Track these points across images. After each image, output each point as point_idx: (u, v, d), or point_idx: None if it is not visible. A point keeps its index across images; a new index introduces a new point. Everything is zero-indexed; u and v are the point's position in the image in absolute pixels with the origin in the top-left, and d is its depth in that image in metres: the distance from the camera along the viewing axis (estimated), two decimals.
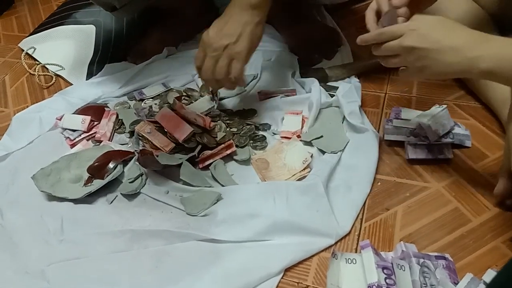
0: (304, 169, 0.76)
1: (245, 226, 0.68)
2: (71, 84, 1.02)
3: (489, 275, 0.58)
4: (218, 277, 0.62)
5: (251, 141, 0.83)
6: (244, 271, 0.63)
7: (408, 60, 0.60)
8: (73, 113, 0.91)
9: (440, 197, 0.72)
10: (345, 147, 0.79)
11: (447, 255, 0.63)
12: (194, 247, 0.66)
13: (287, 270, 0.65)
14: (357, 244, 0.67)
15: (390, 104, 0.88)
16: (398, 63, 0.62)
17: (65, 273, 0.65)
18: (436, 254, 0.63)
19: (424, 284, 0.59)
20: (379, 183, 0.75)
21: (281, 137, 0.84)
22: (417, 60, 0.59)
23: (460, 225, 0.68)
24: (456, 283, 0.60)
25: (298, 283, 0.64)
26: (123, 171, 0.79)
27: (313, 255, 0.66)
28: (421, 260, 0.61)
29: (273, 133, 0.85)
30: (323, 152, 0.79)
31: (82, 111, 0.92)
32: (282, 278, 0.64)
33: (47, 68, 1.07)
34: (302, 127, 0.84)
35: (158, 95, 0.94)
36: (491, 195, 0.70)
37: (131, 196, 0.76)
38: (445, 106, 0.77)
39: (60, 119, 0.89)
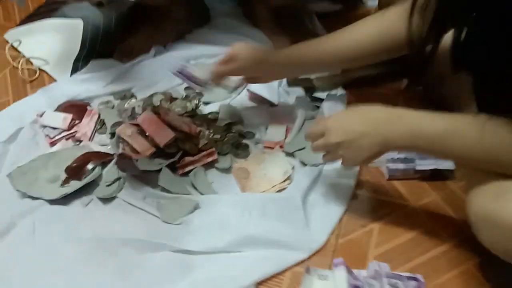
0: (284, 180, 0.76)
1: (219, 237, 0.67)
2: (55, 79, 1.00)
3: None
4: None
5: (234, 149, 0.82)
6: (215, 283, 0.62)
7: (338, 153, 0.64)
8: (55, 110, 0.90)
9: (417, 217, 0.72)
10: None
11: (419, 276, 0.63)
12: (164, 258, 0.65)
13: (259, 283, 0.64)
14: (331, 260, 0.67)
15: None
16: (332, 158, 0.66)
17: (32, 277, 0.64)
18: (408, 275, 0.63)
19: None
20: (357, 199, 0.75)
21: (264, 146, 0.83)
22: (346, 150, 0.63)
23: (434, 246, 0.68)
24: None
25: None
26: (101, 174, 0.78)
27: (286, 269, 0.66)
28: (393, 281, 0.61)
29: (256, 142, 0.84)
30: (305, 164, 0.79)
31: (64, 108, 0.90)
32: None
33: (31, 62, 1.05)
34: (285, 137, 0.84)
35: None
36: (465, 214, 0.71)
37: (107, 200, 0.75)
38: None
39: (41, 116, 0.88)
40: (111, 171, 0.78)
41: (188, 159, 0.79)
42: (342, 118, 0.65)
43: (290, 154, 0.81)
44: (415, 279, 0.63)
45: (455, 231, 0.70)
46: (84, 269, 0.64)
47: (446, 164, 0.75)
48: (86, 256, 0.66)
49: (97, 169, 0.78)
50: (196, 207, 0.72)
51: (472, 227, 0.57)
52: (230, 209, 0.71)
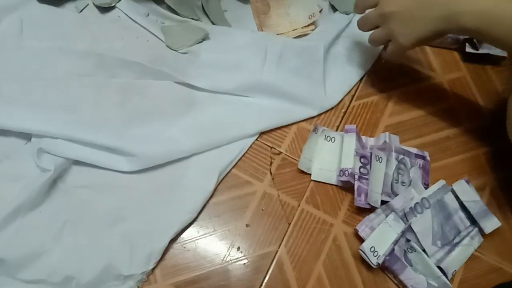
0: (308, 25, 0.66)
1: (228, 77, 0.61)
2: None
3: (460, 185, 0.57)
4: (190, 128, 0.57)
5: None
6: (218, 126, 0.59)
7: (390, 27, 0.54)
8: None
9: (440, 91, 0.67)
10: None
11: (426, 154, 0.61)
12: (167, 89, 0.59)
13: (263, 133, 0.61)
14: (341, 121, 0.63)
15: None
16: (382, 34, 0.56)
17: (19, 86, 0.57)
18: (416, 152, 0.61)
19: (396, 180, 0.58)
20: (383, 61, 0.68)
21: None
22: (398, 24, 0.53)
23: (448, 126, 0.65)
24: (426, 184, 0.59)
25: (271, 147, 0.61)
26: None
27: (292, 124, 0.62)
28: (400, 156, 0.59)
29: None
30: (334, 10, 0.68)
31: None
32: (256, 140, 0.61)
33: None
34: None
35: None
36: (491, 102, 0.66)
37: (104, 9, 0.65)
38: None
39: None
40: None
41: None
42: None
43: None
44: (422, 157, 0.61)
45: (473, 115, 0.66)
46: (79, 86, 0.58)
47: (499, 50, 0.66)
48: (82, 71, 0.59)
49: None
50: (205, 37, 0.64)
51: (508, 115, 0.52)
52: (243, 47, 0.63)
